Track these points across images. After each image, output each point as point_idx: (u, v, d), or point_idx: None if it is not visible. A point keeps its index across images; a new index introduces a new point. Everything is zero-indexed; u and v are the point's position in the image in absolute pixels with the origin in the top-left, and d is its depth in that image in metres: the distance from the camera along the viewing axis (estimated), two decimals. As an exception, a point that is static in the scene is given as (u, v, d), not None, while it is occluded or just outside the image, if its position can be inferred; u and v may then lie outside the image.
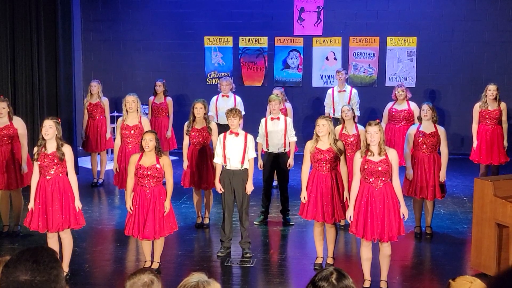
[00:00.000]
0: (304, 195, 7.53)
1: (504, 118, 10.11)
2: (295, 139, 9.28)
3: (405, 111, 10.62)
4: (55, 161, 7.14)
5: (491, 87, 10.01)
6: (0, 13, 10.63)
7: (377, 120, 7.03)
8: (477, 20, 13.22)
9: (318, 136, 7.47)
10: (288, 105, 10.62)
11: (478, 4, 13.24)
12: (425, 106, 8.62)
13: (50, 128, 7.11)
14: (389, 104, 10.79)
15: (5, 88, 10.59)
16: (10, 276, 2.41)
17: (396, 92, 10.63)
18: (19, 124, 8.74)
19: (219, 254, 8.06)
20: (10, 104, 10.34)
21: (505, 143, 10.13)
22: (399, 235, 6.93)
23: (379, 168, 6.79)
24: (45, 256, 2.48)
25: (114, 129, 12.49)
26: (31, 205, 7.24)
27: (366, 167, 6.82)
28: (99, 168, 11.39)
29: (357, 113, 11.17)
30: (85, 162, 12.15)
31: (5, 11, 10.68)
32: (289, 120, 9.34)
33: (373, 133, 6.79)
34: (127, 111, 9.00)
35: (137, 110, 9.01)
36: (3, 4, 10.67)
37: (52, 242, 7.28)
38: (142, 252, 7.79)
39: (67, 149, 7.21)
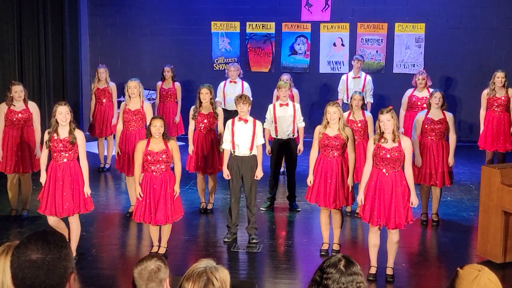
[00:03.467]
0: (310, 179, 7.56)
1: (512, 105, 10.07)
2: (303, 124, 9.28)
3: (426, 98, 10.48)
4: (68, 146, 7.18)
5: (499, 74, 9.96)
6: (7, -3, 10.63)
7: (390, 107, 6.95)
8: (485, 7, 13.13)
9: (328, 123, 7.46)
10: (295, 91, 10.60)
11: (487, -10, 13.15)
12: (438, 94, 8.57)
13: (67, 114, 7.16)
14: (409, 91, 10.58)
15: (12, 73, 10.61)
16: (22, 256, 2.45)
17: (417, 79, 10.48)
18: (34, 109, 8.79)
19: (226, 240, 8.08)
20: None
21: (512, 130, 10.10)
22: (406, 223, 6.91)
23: (390, 155, 6.77)
24: (54, 237, 2.53)
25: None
26: (43, 179, 7.33)
27: (378, 153, 6.80)
28: (106, 153, 11.41)
29: (371, 100, 11.19)
30: (92, 147, 12.16)
31: (12, -5, 10.67)
32: (298, 106, 9.32)
33: (386, 121, 6.75)
34: (129, 96, 8.99)
35: (140, 95, 8.99)
36: (10, -11, 10.67)
37: (57, 226, 7.31)
38: (149, 237, 7.81)
39: (79, 134, 7.26)
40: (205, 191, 9.36)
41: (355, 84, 11.29)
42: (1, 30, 10.55)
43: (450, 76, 13.43)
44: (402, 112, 10.30)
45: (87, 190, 7.29)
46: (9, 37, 10.65)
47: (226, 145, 8.08)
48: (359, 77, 11.35)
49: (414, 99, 10.42)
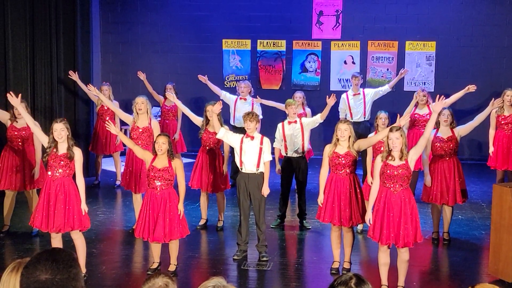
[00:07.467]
0: (320, 198, 7.52)
1: (521, 123, 10.03)
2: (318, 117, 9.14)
3: (428, 116, 10.49)
4: (64, 162, 7.20)
5: (509, 93, 9.97)
6: (20, 15, 10.72)
7: (399, 125, 6.98)
8: (496, 25, 13.13)
9: (338, 140, 7.46)
10: (308, 110, 10.59)
11: (498, 9, 13.16)
12: (446, 111, 8.58)
13: (62, 131, 7.18)
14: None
15: (24, 89, 10.68)
16: (31, 277, 2.44)
17: (418, 97, 10.53)
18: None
19: (235, 257, 8.06)
20: (30, 105, 10.46)
21: (523, 149, 10.03)
22: (415, 242, 6.88)
23: (398, 173, 6.76)
24: (63, 256, 2.51)
25: (125, 131, 12.55)
26: None
27: (385, 171, 6.79)
28: (113, 170, 11.44)
29: (389, 86, 11.52)
30: (106, 164, 12.19)
31: (25, 13, 10.77)
32: (304, 119, 9.29)
33: (395, 139, 6.76)
34: (137, 112, 9.01)
35: (147, 112, 8.99)
36: (23, 7, 10.77)
37: (56, 243, 7.30)
38: (151, 254, 7.78)
39: (77, 151, 7.27)
40: (216, 208, 9.35)
41: (356, 101, 11.33)
42: (14, 47, 10.64)
43: (461, 94, 13.38)
44: (405, 130, 10.32)
45: (84, 207, 7.25)
46: (21, 54, 10.74)
47: (236, 159, 8.12)
48: (358, 93, 11.39)
49: (416, 116, 10.49)
